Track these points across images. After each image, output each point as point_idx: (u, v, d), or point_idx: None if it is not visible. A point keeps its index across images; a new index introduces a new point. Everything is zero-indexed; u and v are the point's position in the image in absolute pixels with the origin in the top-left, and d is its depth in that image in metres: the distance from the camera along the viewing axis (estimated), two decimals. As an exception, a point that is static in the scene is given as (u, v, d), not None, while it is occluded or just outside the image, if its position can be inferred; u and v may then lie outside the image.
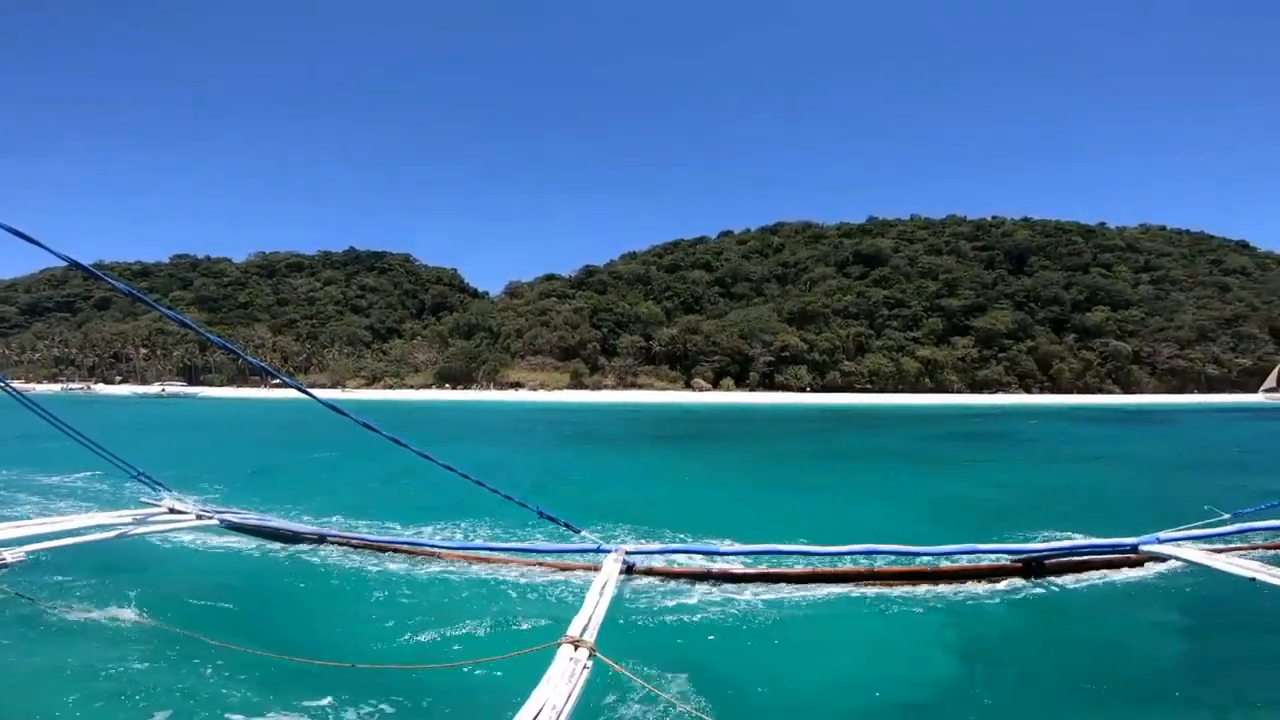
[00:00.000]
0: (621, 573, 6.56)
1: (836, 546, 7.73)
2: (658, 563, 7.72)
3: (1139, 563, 7.61)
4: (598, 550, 7.12)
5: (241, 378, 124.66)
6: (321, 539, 9.73)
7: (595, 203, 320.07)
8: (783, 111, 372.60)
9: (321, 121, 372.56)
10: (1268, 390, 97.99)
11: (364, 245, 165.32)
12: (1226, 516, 7.94)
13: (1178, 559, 6.37)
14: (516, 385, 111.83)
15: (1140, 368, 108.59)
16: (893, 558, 7.95)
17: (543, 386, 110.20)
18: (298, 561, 9.45)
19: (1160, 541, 6.75)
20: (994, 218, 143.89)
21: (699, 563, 8.08)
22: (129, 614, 7.63)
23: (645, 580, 7.74)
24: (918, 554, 7.80)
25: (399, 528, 11.80)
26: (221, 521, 9.58)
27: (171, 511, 9.15)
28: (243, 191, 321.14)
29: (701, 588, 7.88)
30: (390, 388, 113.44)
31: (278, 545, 9.85)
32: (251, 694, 5.95)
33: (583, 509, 10.13)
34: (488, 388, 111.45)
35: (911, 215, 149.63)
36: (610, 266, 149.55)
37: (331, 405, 6.05)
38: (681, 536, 10.34)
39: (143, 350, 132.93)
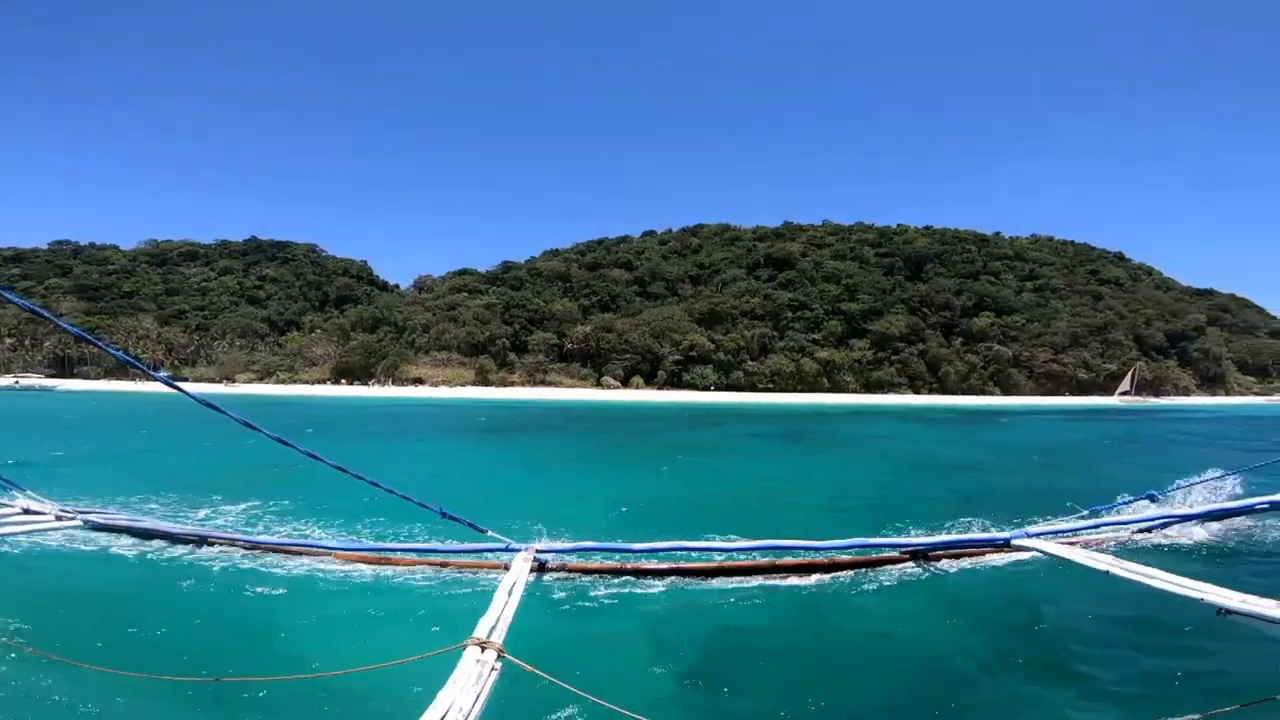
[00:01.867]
0: (533, 571, 6.51)
1: (745, 542, 8.31)
2: (570, 560, 7.76)
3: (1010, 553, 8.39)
4: (507, 549, 7.06)
5: (121, 370, 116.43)
6: (201, 540, 9.09)
7: (535, 197, 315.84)
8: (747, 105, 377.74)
9: (238, 102, 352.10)
10: (1122, 393, 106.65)
11: (274, 237, 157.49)
12: (1085, 512, 9.06)
13: (1043, 553, 7.01)
14: (418, 381, 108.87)
15: (1019, 371, 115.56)
16: (796, 552, 8.43)
17: (445, 383, 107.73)
18: (173, 566, 8.54)
19: (1029, 536, 7.49)
20: (898, 225, 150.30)
21: (611, 559, 8.00)
22: None
23: (558, 578, 7.63)
24: (819, 548, 8.28)
25: (288, 530, 10.81)
26: (85, 522, 8.82)
27: (26, 512, 8.36)
28: (140, 180, 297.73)
29: (615, 584, 7.78)
30: (283, 383, 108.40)
31: (151, 548, 9.07)
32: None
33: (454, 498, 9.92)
34: (386, 384, 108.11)
35: (824, 220, 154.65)
36: (531, 263, 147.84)
37: (205, 401, 5.43)
38: (590, 534, 10.11)
39: (9, 340, 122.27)
